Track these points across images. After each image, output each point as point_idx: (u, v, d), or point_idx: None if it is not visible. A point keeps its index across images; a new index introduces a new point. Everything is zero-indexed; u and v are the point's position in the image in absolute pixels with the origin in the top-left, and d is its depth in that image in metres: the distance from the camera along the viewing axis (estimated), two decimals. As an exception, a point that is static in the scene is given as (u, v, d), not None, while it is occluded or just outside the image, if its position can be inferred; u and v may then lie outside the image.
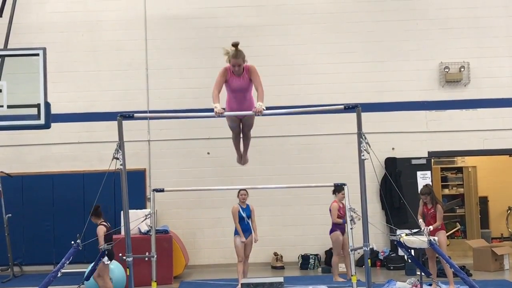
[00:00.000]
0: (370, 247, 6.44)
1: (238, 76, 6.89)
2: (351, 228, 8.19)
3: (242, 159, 7.97)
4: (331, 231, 11.32)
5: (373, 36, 14.24)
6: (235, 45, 6.86)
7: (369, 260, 6.51)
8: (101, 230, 9.00)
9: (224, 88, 7.05)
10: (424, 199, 10.12)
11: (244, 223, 10.74)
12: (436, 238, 9.51)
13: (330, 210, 11.35)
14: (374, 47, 14.21)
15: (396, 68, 14.12)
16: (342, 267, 12.50)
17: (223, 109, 6.89)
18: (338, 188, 10.88)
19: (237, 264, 10.79)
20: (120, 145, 6.50)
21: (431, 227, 9.90)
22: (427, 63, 14.17)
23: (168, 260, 11.68)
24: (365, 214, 6.36)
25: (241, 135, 7.65)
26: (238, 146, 7.79)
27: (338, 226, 11.09)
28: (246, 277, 10.66)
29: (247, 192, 10.82)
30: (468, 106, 14.11)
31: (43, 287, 6.84)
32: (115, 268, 9.96)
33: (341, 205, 11.09)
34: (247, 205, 10.91)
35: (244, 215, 10.70)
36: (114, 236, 10.02)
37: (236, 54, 6.81)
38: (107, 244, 7.35)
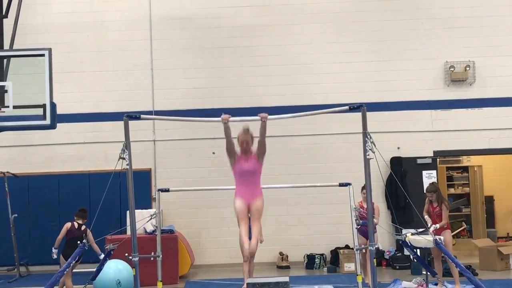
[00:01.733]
0: (376, 246, 6.44)
1: (246, 158, 7.00)
2: (356, 228, 8.18)
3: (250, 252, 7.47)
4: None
5: (378, 36, 14.23)
6: (246, 128, 7.07)
7: (374, 260, 6.51)
8: (65, 226, 9.90)
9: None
10: (430, 197, 10.11)
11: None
12: (441, 237, 9.51)
13: (356, 210, 10.49)
14: (379, 46, 14.19)
15: (401, 68, 14.11)
16: (347, 267, 12.52)
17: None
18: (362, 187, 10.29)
19: (242, 264, 10.77)
20: (127, 145, 6.51)
21: (437, 225, 9.90)
22: (432, 62, 14.15)
23: (173, 260, 11.69)
24: (371, 214, 6.36)
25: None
26: (246, 236, 7.29)
27: (359, 229, 10.16)
28: (252, 277, 10.64)
29: None
30: (473, 105, 14.09)
31: (49, 287, 6.86)
32: (123, 268, 9.98)
33: (365, 206, 10.26)
34: None
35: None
36: (120, 236, 10.06)
37: (246, 131, 7.01)
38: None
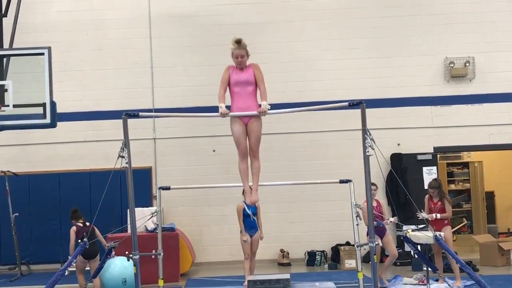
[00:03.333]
0: (376, 243, 6.44)
1: (242, 70, 7.01)
2: (357, 225, 8.18)
3: (251, 194, 7.36)
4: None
5: (378, 32, 14.23)
6: (238, 41, 7.16)
7: (375, 256, 6.51)
8: (72, 230, 9.81)
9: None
10: (432, 192, 10.13)
11: (250, 220, 10.69)
12: (442, 233, 9.52)
13: (362, 209, 10.05)
14: (378, 43, 14.20)
15: (401, 64, 14.11)
16: (348, 263, 12.53)
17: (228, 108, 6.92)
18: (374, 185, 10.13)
19: (243, 261, 10.80)
20: (126, 144, 6.52)
21: (438, 215, 9.92)
22: (432, 58, 14.15)
23: (175, 258, 11.70)
24: (371, 211, 6.37)
25: (249, 157, 7.23)
26: (246, 173, 7.24)
27: (374, 228, 10.15)
28: (253, 274, 10.67)
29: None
30: (473, 101, 14.09)
31: (50, 285, 6.87)
32: (129, 265, 9.99)
33: (374, 204, 10.13)
34: None
35: (249, 212, 10.65)
36: (121, 234, 10.08)
37: (239, 46, 7.05)
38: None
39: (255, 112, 6.87)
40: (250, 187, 7.37)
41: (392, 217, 10.33)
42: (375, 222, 9.59)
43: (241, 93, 6.98)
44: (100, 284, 10.08)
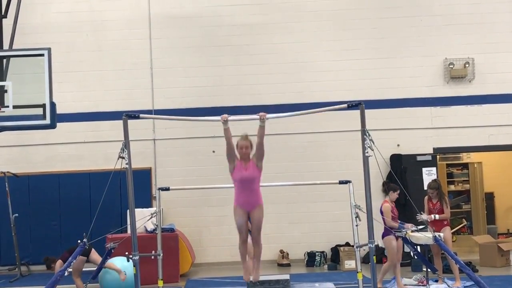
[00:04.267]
0: (375, 243, 6.44)
1: (245, 166, 6.90)
2: (356, 225, 8.19)
3: (253, 272, 7.40)
4: (384, 235, 9.78)
5: (377, 33, 14.24)
6: (245, 137, 6.97)
7: (374, 257, 6.52)
8: (58, 265, 9.61)
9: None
10: (431, 193, 10.14)
11: None
12: (441, 234, 9.53)
13: (381, 211, 9.92)
14: (378, 43, 14.21)
15: (401, 65, 14.12)
16: (348, 264, 12.52)
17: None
18: (392, 187, 10.06)
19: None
20: (126, 144, 6.53)
21: (437, 216, 9.94)
22: (432, 59, 14.16)
23: (174, 258, 11.70)
24: (370, 212, 6.37)
25: (250, 239, 7.36)
26: (245, 255, 7.33)
27: (392, 230, 9.54)
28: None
29: None
30: (473, 102, 14.09)
31: (50, 286, 6.88)
32: (129, 265, 10.00)
33: (393, 205, 10.07)
34: None
35: None
36: (121, 235, 10.09)
37: (245, 137, 6.90)
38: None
39: (255, 116, 6.84)
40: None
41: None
42: (398, 223, 9.59)
43: (245, 189, 6.97)
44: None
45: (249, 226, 7.46)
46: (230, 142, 6.89)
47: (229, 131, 6.91)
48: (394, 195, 10.07)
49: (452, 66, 13.99)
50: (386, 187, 10.29)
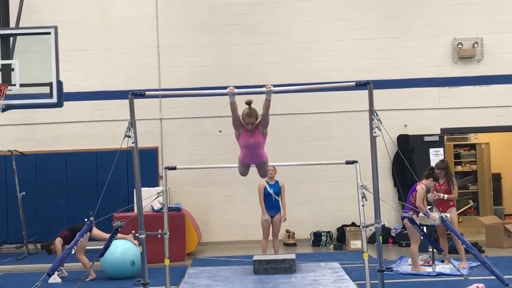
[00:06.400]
0: (382, 224, 6.43)
1: (251, 134, 6.86)
2: (363, 205, 8.17)
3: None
4: (405, 217, 8.99)
5: (385, 12, 14.14)
6: (249, 103, 6.78)
7: (380, 237, 6.50)
8: (58, 242, 10.03)
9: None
10: (439, 174, 10.10)
11: (272, 200, 10.64)
12: (448, 214, 9.52)
13: (414, 190, 9.72)
14: (386, 23, 14.11)
15: (409, 45, 14.03)
16: (354, 244, 12.55)
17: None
18: (434, 175, 9.79)
19: (262, 240, 10.81)
20: (132, 123, 6.50)
21: (445, 196, 9.92)
22: (440, 39, 14.06)
23: (181, 237, 11.76)
24: (377, 191, 6.34)
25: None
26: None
27: (415, 212, 9.09)
28: (278, 254, 10.76)
29: (274, 168, 10.69)
30: (481, 82, 14.01)
31: (57, 264, 6.91)
32: (131, 247, 10.02)
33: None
34: (276, 182, 10.85)
35: (271, 191, 10.61)
36: (127, 214, 10.11)
37: (250, 113, 6.77)
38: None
39: (263, 89, 6.77)
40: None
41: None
42: (426, 211, 9.42)
43: (249, 153, 6.99)
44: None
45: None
46: (236, 114, 6.86)
47: (235, 104, 6.86)
48: (431, 184, 9.88)
49: (460, 46, 13.89)
50: (430, 173, 9.87)
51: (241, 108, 6.75)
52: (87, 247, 10.16)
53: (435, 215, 8.43)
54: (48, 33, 10.49)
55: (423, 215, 9.30)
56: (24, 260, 12.29)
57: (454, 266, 9.45)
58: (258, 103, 6.56)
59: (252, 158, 6.98)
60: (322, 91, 13.49)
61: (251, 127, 6.76)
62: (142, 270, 6.64)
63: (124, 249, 9.98)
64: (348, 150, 12.95)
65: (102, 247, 7.94)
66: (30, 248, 13.03)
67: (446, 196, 10.01)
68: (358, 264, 10.21)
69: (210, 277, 9.28)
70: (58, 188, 13.80)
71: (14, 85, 10.39)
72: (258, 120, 6.73)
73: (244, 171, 7.19)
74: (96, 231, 9.98)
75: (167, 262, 8.22)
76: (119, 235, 8.66)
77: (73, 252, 7.35)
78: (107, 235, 9.09)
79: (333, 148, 13.62)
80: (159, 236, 8.25)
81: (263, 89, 6.66)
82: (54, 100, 10.48)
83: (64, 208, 13.75)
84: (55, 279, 9.58)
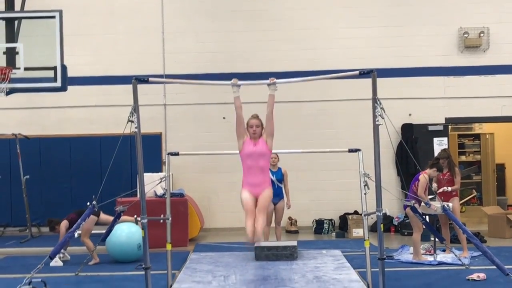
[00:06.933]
0: (383, 212, 6.43)
1: (255, 142, 6.85)
2: (365, 194, 8.17)
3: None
4: (407, 206, 9.06)
5: (391, 0, 14.09)
6: (255, 116, 6.97)
7: (382, 225, 6.51)
8: (63, 225, 10.00)
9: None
10: (442, 163, 10.09)
11: (274, 187, 10.66)
12: (450, 204, 9.54)
13: (417, 179, 9.71)
14: (392, 11, 14.06)
15: (415, 33, 13.99)
16: (356, 232, 12.58)
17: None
18: (438, 166, 9.86)
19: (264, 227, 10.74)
20: (135, 108, 6.51)
21: (449, 188, 9.93)
22: (446, 28, 14.01)
23: (183, 223, 11.81)
24: (379, 180, 6.34)
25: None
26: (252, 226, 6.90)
27: (417, 201, 9.18)
28: (280, 240, 10.78)
29: (277, 156, 10.73)
30: (486, 72, 13.97)
31: (59, 247, 6.96)
32: (136, 231, 10.07)
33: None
34: (279, 169, 10.87)
35: (273, 178, 10.62)
36: (130, 198, 10.14)
37: (255, 116, 6.89)
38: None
39: (266, 81, 6.80)
40: None
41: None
42: (427, 200, 9.31)
43: (253, 167, 6.86)
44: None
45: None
46: (240, 114, 6.86)
47: (239, 100, 6.86)
48: (435, 174, 9.92)
49: (466, 35, 13.84)
50: (435, 163, 9.91)
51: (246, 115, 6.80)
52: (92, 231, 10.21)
53: (437, 204, 8.42)
54: (53, 17, 10.48)
55: (423, 204, 9.30)
56: (27, 243, 12.36)
57: (456, 256, 9.51)
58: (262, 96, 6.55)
59: (257, 177, 6.82)
60: (326, 79, 13.43)
61: (255, 132, 6.79)
62: (144, 254, 6.67)
63: (129, 233, 10.04)
64: (352, 139, 12.93)
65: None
66: (33, 231, 13.11)
67: (450, 188, 10.00)
68: (359, 252, 10.23)
69: (212, 263, 9.31)
70: (61, 172, 13.86)
71: (19, 68, 10.40)
72: (263, 129, 6.79)
73: (248, 204, 6.85)
74: (104, 216, 10.05)
75: (169, 247, 8.25)
76: (123, 217, 8.71)
77: (76, 235, 7.38)
78: None
79: (337, 136, 13.61)
80: (161, 221, 8.28)
81: (267, 81, 6.69)
82: (58, 84, 10.50)
83: (68, 192, 13.81)
84: (56, 262, 9.64)
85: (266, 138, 6.84)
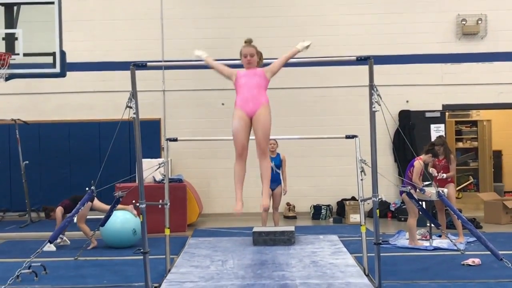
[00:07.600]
0: (380, 198, 6.51)
1: (250, 74, 5.95)
2: (362, 180, 8.24)
3: (238, 204, 6.36)
4: (403, 192, 9.29)
5: (390, -13, 14.10)
6: (248, 41, 6.23)
7: (378, 211, 6.59)
8: (58, 211, 10.18)
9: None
10: (438, 150, 10.17)
11: (272, 173, 10.70)
12: (445, 190, 9.62)
13: (412, 165, 9.81)
14: (390, -2, 14.08)
15: (413, 20, 14.01)
16: (353, 218, 12.66)
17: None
18: (433, 151, 9.87)
19: (262, 212, 10.76)
20: (133, 94, 6.56)
21: (444, 175, 10.02)
22: (444, 15, 14.03)
23: (182, 208, 11.88)
24: (375, 166, 6.41)
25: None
26: (241, 177, 6.37)
27: (413, 187, 8.92)
28: (278, 226, 10.86)
29: (276, 142, 10.80)
30: (484, 59, 14.00)
31: (58, 232, 7.02)
32: (131, 217, 10.14)
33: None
34: (277, 154, 10.93)
35: (272, 164, 10.68)
36: (129, 184, 10.21)
37: (249, 41, 6.14)
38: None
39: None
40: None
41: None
42: (422, 185, 9.40)
43: (247, 83, 5.91)
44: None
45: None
46: (216, 67, 6.49)
47: (209, 60, 6.60)
48: (430, 159, 9.99)
49: (464, 22, 13.86)
50: (430, 149, 9.94)
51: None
52: (88, 217, 10.28)
53: (432, 190, 8.49)
54: (52, 3, 10.53)
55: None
56: (26, 228, 12.44)
57: (451, 241, 9.59)
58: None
59: (251, 90, 5.84)
60: (325, 66, 13.48)
61: (250, 62, 5.98)
62: (143, 239, 6.75)
63: (124, 219, 10.10)
64: (350, 125, 12.97)
65: (103, 217, 8.06)
66: (32, 216, 13.18)
67: (445, 175, 10.09)
68: (356, 237, 10.30)
69: (210, 248, 9.38)
70: (61, 157, 13.92)
71: (18, 54, 10.46)
72: (268, 67, 6.03)
73: (239, 124, 5.94)
74: (97, 203, 10.11)
75: (167, 232, 8.32)
76: (119, 205, 8.76)
77: (74, 220, 7.43)
78: (107, 207, 9.20)
79: (336, 122, 13.65)
80: (159, 206, 8.34)
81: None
82: (57, 70, 10.55)
83: (67, 178, 13.87)
84: (49, 247, 9.49)
85: (266, 72, 5.96)
